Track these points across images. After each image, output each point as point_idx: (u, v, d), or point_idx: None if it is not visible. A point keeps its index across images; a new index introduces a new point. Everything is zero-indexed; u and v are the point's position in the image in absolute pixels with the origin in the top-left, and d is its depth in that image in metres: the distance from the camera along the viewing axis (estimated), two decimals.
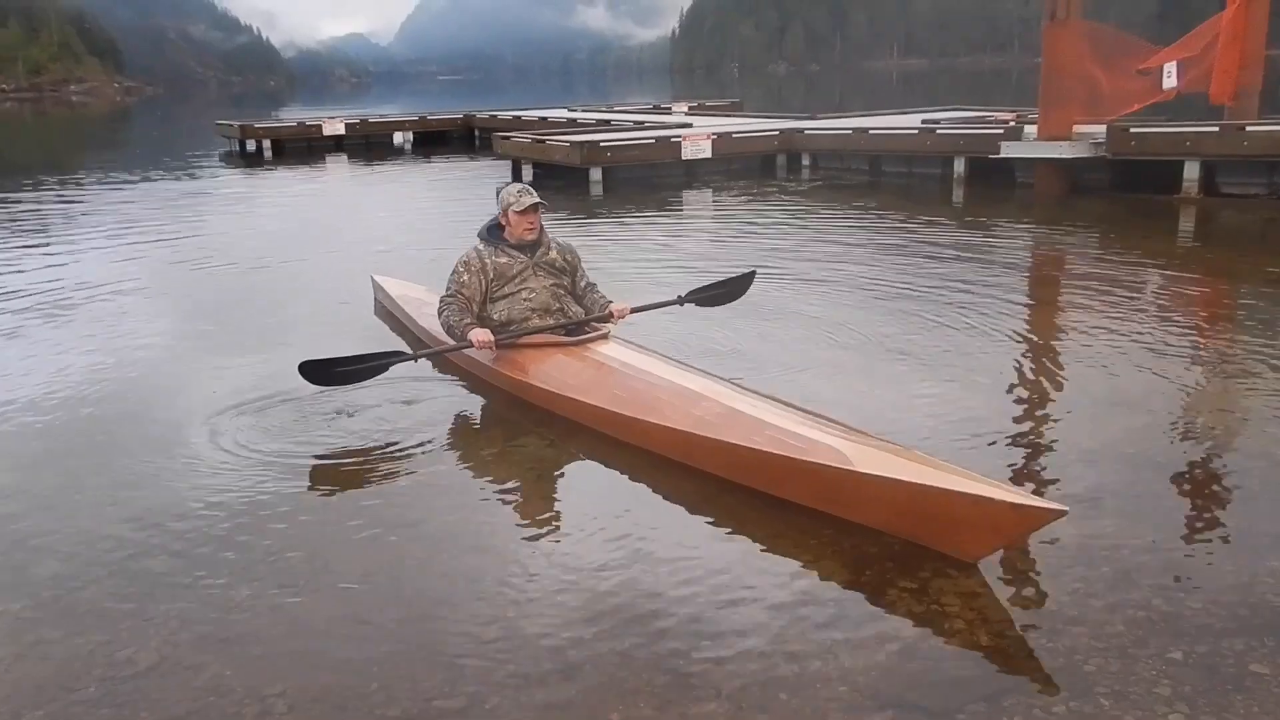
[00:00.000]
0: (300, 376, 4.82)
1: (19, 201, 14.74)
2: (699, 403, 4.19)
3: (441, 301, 5.13)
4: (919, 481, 3.33)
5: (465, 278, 5.06)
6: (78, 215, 13.41)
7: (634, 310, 5.27)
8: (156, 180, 17.78)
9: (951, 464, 3.51)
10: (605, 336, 5.05)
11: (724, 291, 5.85)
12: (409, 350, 5.02)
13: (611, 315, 5.16)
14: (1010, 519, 3.15)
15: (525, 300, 5.08)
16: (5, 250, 10.28)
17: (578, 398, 4.61)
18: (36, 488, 4.14)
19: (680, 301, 5.60)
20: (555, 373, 4.82)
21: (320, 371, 4.84)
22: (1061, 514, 3.14)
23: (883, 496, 3.45)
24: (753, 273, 6.02)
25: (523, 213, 5.06)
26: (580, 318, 5.19)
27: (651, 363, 4.72)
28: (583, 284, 5.31)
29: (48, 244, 10.78)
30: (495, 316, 5.09)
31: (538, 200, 5.08)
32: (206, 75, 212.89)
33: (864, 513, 3.55)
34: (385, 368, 4.96)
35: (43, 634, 3.05)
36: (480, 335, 4.93)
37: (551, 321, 5.11)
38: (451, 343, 5.12)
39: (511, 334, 5.04)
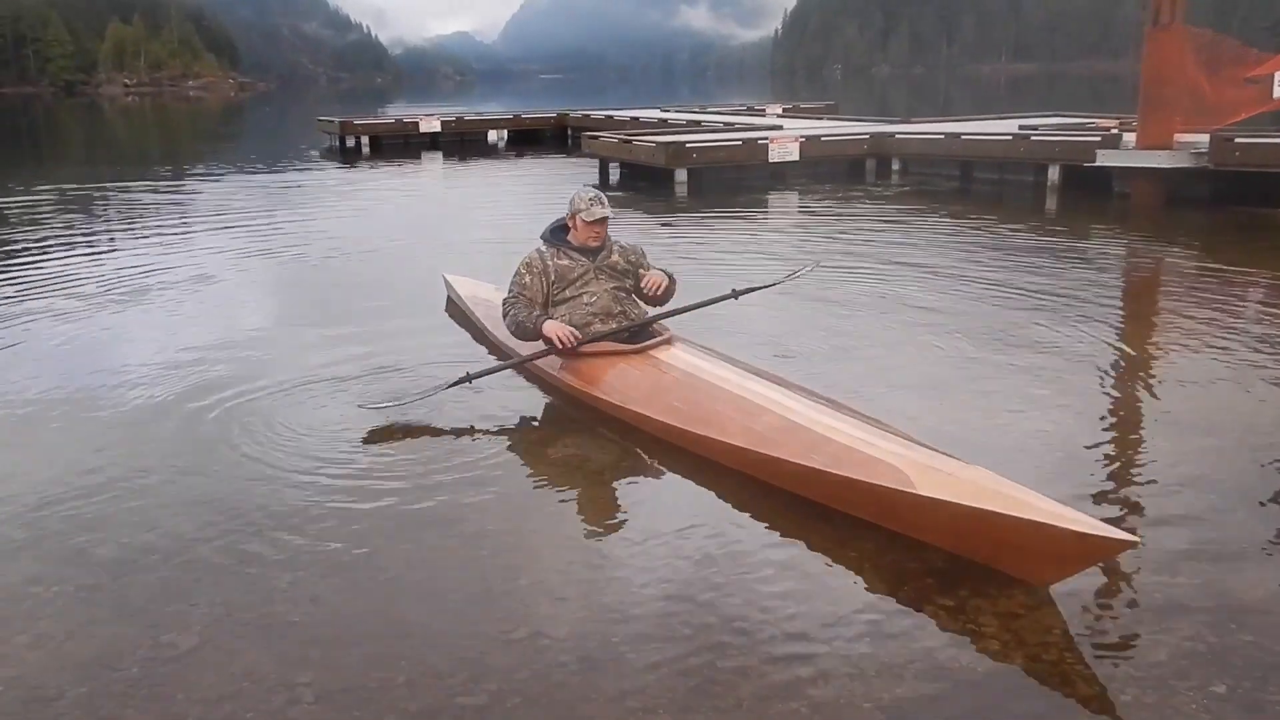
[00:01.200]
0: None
1: (132, 191, 15.34)
2: (759, 416, 4.12)
3: (505, 304, 5.15)
4: (979, 506, 3.22)
5: (527, 279, 5.10)
6: (176, 205, 13.89)
7: (687, 309, 5.20)
8: (257, 173, 18.34)
9: (1023, 483, 3.37)
10: (669, 341, 5.01)
11: (780, 281, 5.75)
12: (467, 371, 5.02)
13: (644, 289, 5.11)
14: (1075, 548, 3.02)
15: (586, 304, 5.09)
16: (99, 237, 10.71)
17: (638, 409, 4.59)
18: (107, 469, 4.29)
19: (735, 295, 5.46)
20: (617, 382, 4.80)
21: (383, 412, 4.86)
22: (1132, 544, 3.01)
23: (943, 519, 3.36)
24: (814, 264, 5.91)
25: (591, 223, 5.08)
26: (642, 319, 5.18)
27: (713, 370, 4.64)
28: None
29: (139, 232, 11.20)
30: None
31: (608, 214, 5.08)
32: (317, 72, 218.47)
33: (926, 533, 3.47)
34: (445, 388, 4.95)
35: (94, 614, 3.17)
36: (558, 329, 4.90)
37: (614, 325, 5.11)
38: (515, 350, 5.06)
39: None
